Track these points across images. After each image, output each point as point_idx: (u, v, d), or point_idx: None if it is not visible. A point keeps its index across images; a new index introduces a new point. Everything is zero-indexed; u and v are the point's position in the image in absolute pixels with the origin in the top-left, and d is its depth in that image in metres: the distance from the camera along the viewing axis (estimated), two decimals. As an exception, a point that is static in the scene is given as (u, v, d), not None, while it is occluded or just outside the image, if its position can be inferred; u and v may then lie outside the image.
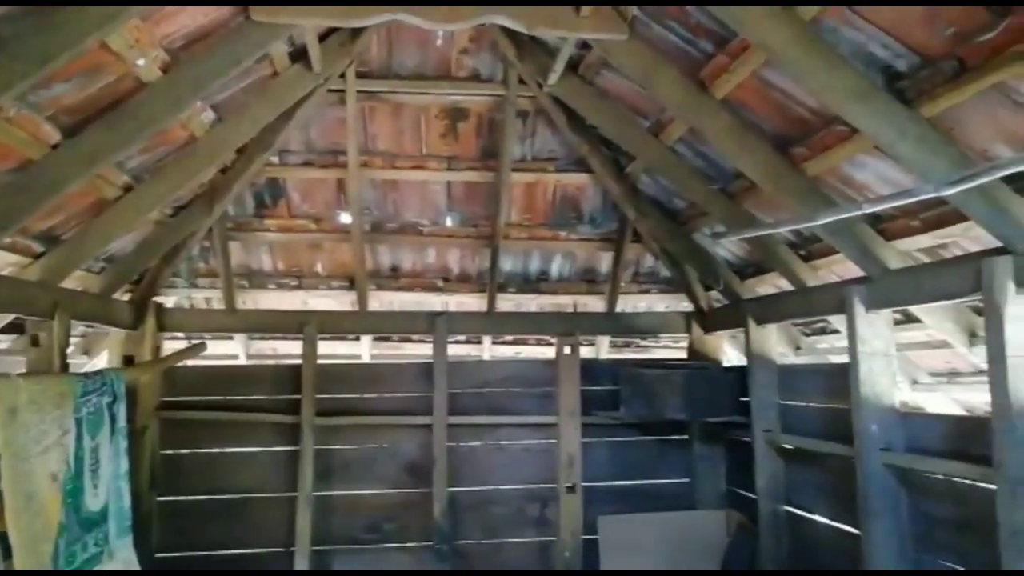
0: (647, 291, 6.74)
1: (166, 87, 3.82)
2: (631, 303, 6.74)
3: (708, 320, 6.39)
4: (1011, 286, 3.13)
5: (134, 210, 4.75)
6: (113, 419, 4.35)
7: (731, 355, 6.73)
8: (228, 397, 6.10)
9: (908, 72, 3.08)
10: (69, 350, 4.71)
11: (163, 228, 5.46)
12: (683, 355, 6.73)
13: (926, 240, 3.83)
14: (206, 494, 5.99)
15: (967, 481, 3.64)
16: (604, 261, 6.52)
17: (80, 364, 6.17)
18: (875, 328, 4.17)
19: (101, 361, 6.37)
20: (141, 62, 3.58)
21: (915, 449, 3.99)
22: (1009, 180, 3.04)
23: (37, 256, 4.54)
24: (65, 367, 4.58)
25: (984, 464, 3.35)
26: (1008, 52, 2.62)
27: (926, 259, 4.00)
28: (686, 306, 6.54)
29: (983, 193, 3.03)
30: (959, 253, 3.76)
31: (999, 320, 3.17)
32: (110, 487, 4.26)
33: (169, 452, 5.98)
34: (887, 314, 4.17)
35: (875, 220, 4.04)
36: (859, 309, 4.17)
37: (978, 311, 3.91)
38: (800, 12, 3.10)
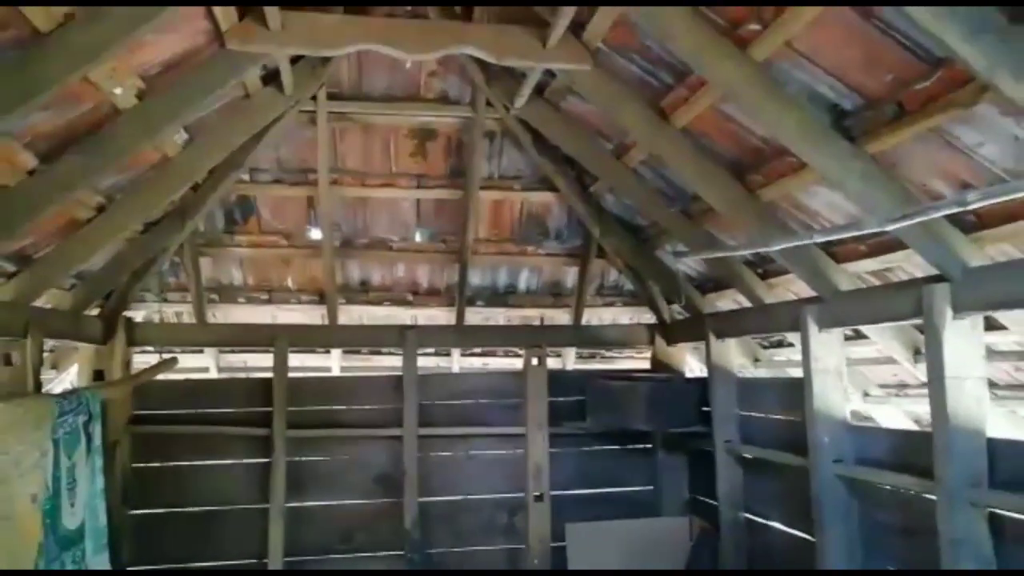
0: (612, 304, 6.93)
1: (141, 114, 3.89)
2: (596, 315, 6.93)
3: (671, 332, 6.59)
4: (948, 312, 3.35)
5: (107, 230, 4.80)
6: (89, 438, 4.41)
7: (693, 365, 6.95)
8: (200, 410, 6.14)
9: (853, 111, 3.29)
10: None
11: (134, 244, 5.50)
12: (647, 365, 6.93)
13: (873, 264, 4.06)
14: (179, 507, 6.02)
15: (911, 491, 3.86)
16: (570, 275, 6.70)
17: (49, 378, 6.18)
18: (827, 346, 4.39)
19: (70, 375, 6.39)
20: (118, 91, 3.66)
21: (864, 460, 4.21)
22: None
23: (9, 276, 4.57)
24: (39, 385, 4.63)
25: (926, 476, 3.57)
26: (942, 100, 2.83)
27: (874, 281, 4.23)
28: (649, 318, 6.74)
29: (922, 225, 3.24)
30: (904, 276, 3.99)
31: (938, 343, 3.38)
32: (87, 505, 4.31)
33: (141, 466, 6.00)
34: (838, 333, 4.39)
35: (827, 244, 4.25)
36: (812, 328, 4.39)
37: (921, 330, 4.14)
38: (753, 53, 3.29)
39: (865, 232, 3.15)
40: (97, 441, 4.51)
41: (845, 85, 3.20)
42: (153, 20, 3.10)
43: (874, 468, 4.09)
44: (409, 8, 4.65)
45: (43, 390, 4.82)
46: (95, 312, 5.88)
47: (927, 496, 3.63)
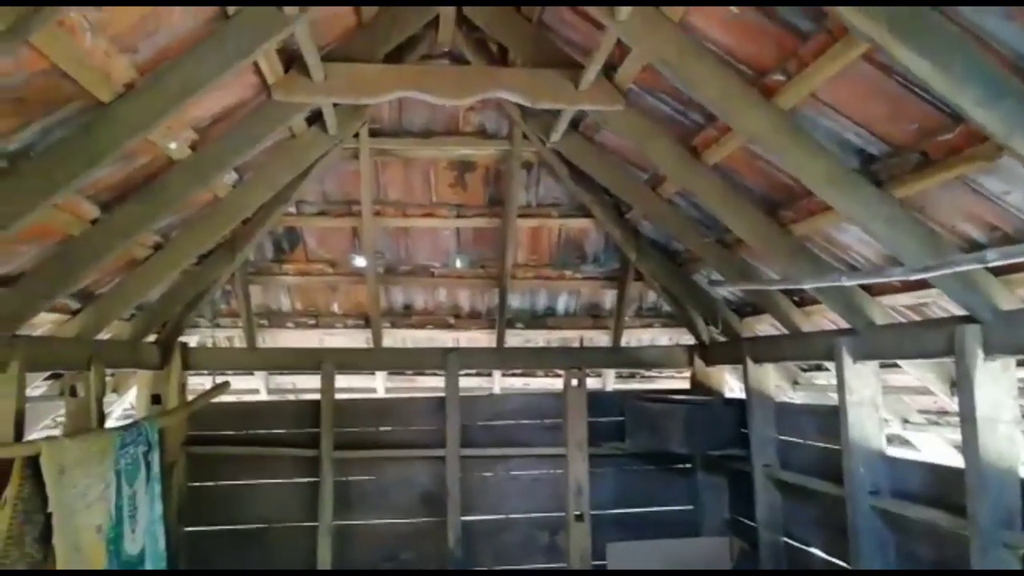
0: (650, 325, 7.00)
1: (194, 164, 4.12)
2: (635, 336, 7.00)
3: (709, 354, 6.64)
4: (980, 353, 3.37)
5: (163, 266, 5.06)
6: (148, 466, 4.65)
7: (733, 384, 6.97)
8: (251, 432, 6.40)
9: (880, 156, 3.33)
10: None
11: (188, 276, 5.76)
12: (686, 384, 6.97)
13: (907, 299, 4.08)
14: (231, 524, 6.29)
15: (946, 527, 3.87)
16: (608, 297, 6.79)
17: (110, 401, 6.51)
18: (862, 378, 4.41)
19: (130, 397, 6.71)
20: (173, 146, 3.88)
21: (901, 492, 4.23)
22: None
23: (74, 313, 4.86)
24: (101, 415, 4.90)
25: (960, 513, 3.59)
26: (965, 153, 2.87)
27: (910, 315, 4.24)
28: (688, 339, 6.79)
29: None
30: (938, 311, 4.00)
31: (969, 384, 3.41)
32: (147, 531, 4.56)
33: (196, 485, 6.28)
34: (874, 364, 4.41)
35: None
36: (847, 360, 4.42)
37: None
38: (778, 102, 3.36)
39: (892, 279, 3.18)
40: (156, 469, 4.76)
41: (871, 133, 3.25)
42: (207, 85, 3.28)
43: (909, 502, 4.10)
44: (447, 50, 4.83)
45: (105, 419, 5.10)
46: (152, 339, 6.17)
47: (961, 533, 3.65)
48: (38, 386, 5.23)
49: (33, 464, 3.59)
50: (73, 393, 4.85)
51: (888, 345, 4.18)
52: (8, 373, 3.93)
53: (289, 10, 3.24)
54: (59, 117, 3.13)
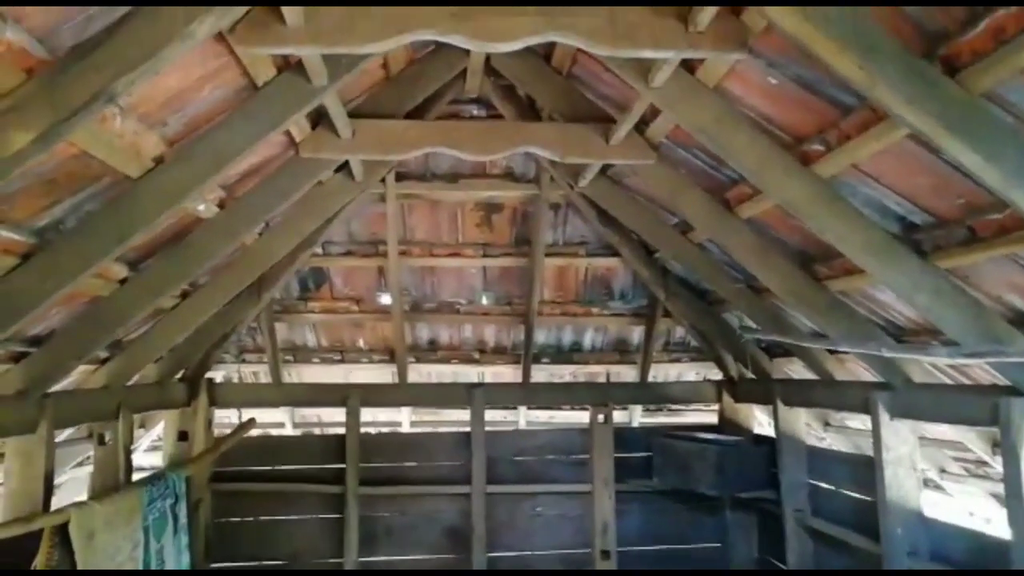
0: (678, 359, 6.92)
1: (223, 221, 4.11)
2: (662, 371, 6.92)
3: (738, 391, 6.54)
4: (1026, 427, 3.27)
5: (191, 314, 5.05)
6: (175, 519, 4.65)
7: (762, 419, 6.86)
8: (276, 467, 6.40)
9: (923, 226, 3.23)
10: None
11: (215, 317, 5.70)
12: (714, 419, 6.88)
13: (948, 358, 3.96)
14: (257, 560, 6.29)
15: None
16: (636, 333, 6.71)
17: (137, 435, 6.53)
18: (899, 435, 4.30)
19: (156, 430, 6.74)
20: (202, 207, 3.86)
21: (940, 556, 4.12)
22: (1020, 325, 3.19)
23: (103, 361, 4.87)
24: (129, 463, 4.90)
25: (1005, 586, 3.49)
26: (1015, 233, 2.77)
27: (950, 372, 4.13)
28: (717, 374, 6.70)
29: (995, 340, 3.18)
30: (982, 373, 3.88)
31: (1016, 458, 3.30)
32: (174, 582, 4.56)
33: (221, 521, 6.29)
34: (911, 421, 4.30)
35: (898, 331, 4.18)
36: (883, 416, 4.31)
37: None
38: (817, 170, 3.28)
39: (936, 359, 3.09)
40: (183, 520, 4.76)
41: (914, 204, 3.16)
42: (237, 157, 3.26)
43: (950, 567, 3.99)
44: (475, 97, 4.78)
45: (132, 466, 5.10)
46: (178, 375, 6.18)
47: (1006, 606, 3.54)
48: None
49: (62, 531, 3.58)
50: (102, 442, 4.87)
51: (926, 406, 4.07)
52: (37, 434, 3.94)
53: (319, 80, 3.20)
54: (88, 193, 3.12)
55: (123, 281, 4.03)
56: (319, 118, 4.03)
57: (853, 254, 3.37)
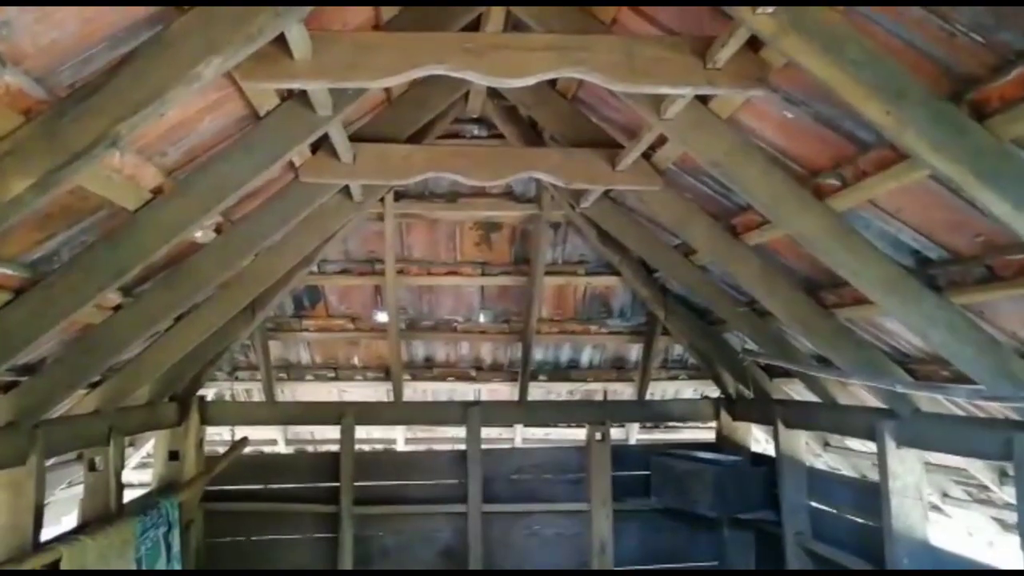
0: (676, 377, 6.87)
1: (221, 247, 4.01)
2: (660, 388, 6.87)
3: (737, 409, 6.48)
4: (1042, 465, 3.22)
5: (185, 336, 4.93)
6: (168, 547, 4.55)
7: (759, 437, 6.83)
8: (269, 486, 6.29)
9: (938, 261, 3.18)
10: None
11: (208, 338, 5.62)
12: (711, 436, 6.83)
13: (956, 389, 3.92)
14: (250, 581, 6.18)
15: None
16: (634, 351, 6.66)
17: (127, 453, 6.40)
18: (906, 463, 4.25)
19: (146, 447, 6.61)
20: (199, 234, 3.76)
21: (948, 588, 4.08)
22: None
23: (93, 386, 4.74)
24: (120, 488, 4.77)
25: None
26: (1037, 276, 2.73)
27: (961, 403, 4.08)
28: (715, 391, 6.65)
29: (1010, 377, 3.13)
30: (992, 407, 3.84)
31: (1030, 497, 3.26)
32: (167, 612, 4.46)
33: (214, 541, 6.16)
34: (918, 450, 4.26)
35: (904, 358, 4.14)
36: (889, 444, 4.26)
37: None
38: (832, 204, 3.22)
39: (954, 398, 3.04)
40: (176, 548, 4.66)
41: (929, 240, 3.11)
42: (237, 191, 3.16)
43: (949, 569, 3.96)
44: (476, 117, 4.70)
45: (123, 490, 4.97)
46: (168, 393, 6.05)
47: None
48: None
49: (54, 568, 3.48)
50: (92, 467, 4.74)
51: (935, 436, 4.02)
52: (27, 465, 3.81)
53: (323, 111, 3.11)
54: (84, 226, 3.02)
55: (117, 308, 3.91)
56: (320, 142, 3.91)
57: (867, 289, 3.31)
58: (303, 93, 3.06)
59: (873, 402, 4.75)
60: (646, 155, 4.05)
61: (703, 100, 3.23)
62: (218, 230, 3.98)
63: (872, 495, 4.49)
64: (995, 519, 5.05)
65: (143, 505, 4.59)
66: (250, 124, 3.19)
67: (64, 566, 3.47)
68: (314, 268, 5.75)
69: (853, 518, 5.04)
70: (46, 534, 3.96)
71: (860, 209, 3.20)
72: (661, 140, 3.85)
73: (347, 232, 5.46)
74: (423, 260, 5.84)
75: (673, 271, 5.22)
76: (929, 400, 4.11)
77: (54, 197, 2.69)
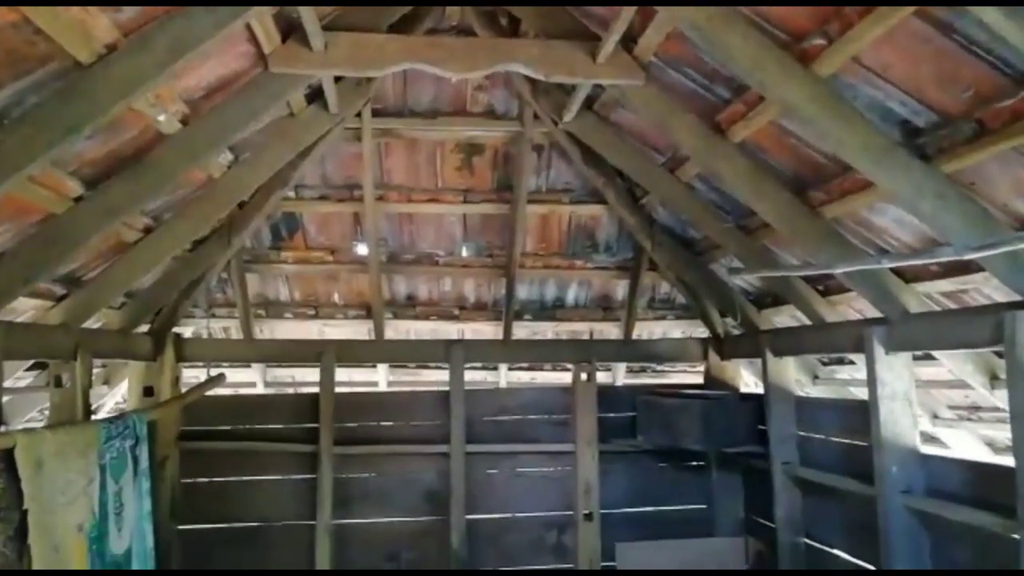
0: (663, 317, 6.75)
1: (186, 139, 3.86)
2: (647, 329, 6.75)
3: (725, 347, 6.38)
4: (1032, 342, 3.11)
5: (154, 251, 4.80)
6: (136, 461, 4.40)
7: (748, 379, 6.72)
8: (247, 426, 6.15)
9: (926, 128, 3.07)
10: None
11: (182, 263, 5.50)
12: (700, 379, 6.72)
13: (947, 285, 3.81)
14: (226, 522, 6.03)
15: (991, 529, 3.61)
16: (620, 288, 6.53)
17: (101, 394, 6.26)
18: (895, 370, 4.15)
19: (121, 390, 6.45)
20: (162, 118, 3.62)
21: (937, 492, 3.97)
22: (1029, 234, 3.03)
23: (59, 299, 4.60)
24: (88, 407, 4.63)
25: (1007, 514, 3.33)
26: (1026, 120, 2.61)
27: (947, 303, 3.98)
28: (702, 332, 6.53)
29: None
30: (981, 299, 3.74)
31: (1020, 375, 3.14)
32: (134, 529, 4.31)
33: (189, 481, 6.02)
34: (906, 356, 4.15)
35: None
36: (878, 351, 4.15)
37: (999, 353, 3.88)
38: (817, 69, 3.10)
39: (940, 260, 2.92)
40: (144, 464, 4.51)
41: (918, 101, 2.99)
42: (196, 48, 3.03)
43: (948, 502, 3.84)
44: (454, 24, 4.56)
45: (92, 410, 4.84)
46: (144, 329, 5.91)
47: (1008, 536, 3.39)
48: (21, 377, 4.97)
49: (8, 457, 3.33)
50: (58, 383, 4.60)
51: (924, 335, 3.91)
52: (-16, 359, 3.68)
53: (287, -34, 2.98)
54: (34, 80, 2.87)
55: (78, 200, 3.76)
56: (290, 30, 3.80)
57: (856, 161, 3.20)
58: (266, -54, 2.92)
59: (860, 317, 4.65)
60: (628, 48, 3.92)
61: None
62: (184, 122, 3.83)
63: (861, 414, 4.39)
64: (988, 444, 4.96)
65: (110, 417, 4.44)
66: (210, -20, 3.05)
67: (19, 453, 3.31)
68: (291, 193, 5.61)
69: (842, 440, 4.94)
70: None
71: (846, 74, 3.08)
72: (642, 27, 3.72)
73: (324, 154, 5.31)
74: (403, 186, 5.69)
75: (659, 190, 5.09)
76: (919, 302, 4.00)
77: (-2, 34, 2.56)
